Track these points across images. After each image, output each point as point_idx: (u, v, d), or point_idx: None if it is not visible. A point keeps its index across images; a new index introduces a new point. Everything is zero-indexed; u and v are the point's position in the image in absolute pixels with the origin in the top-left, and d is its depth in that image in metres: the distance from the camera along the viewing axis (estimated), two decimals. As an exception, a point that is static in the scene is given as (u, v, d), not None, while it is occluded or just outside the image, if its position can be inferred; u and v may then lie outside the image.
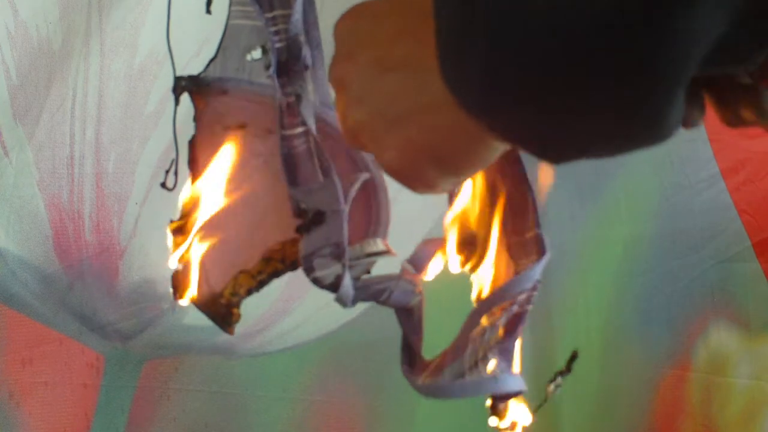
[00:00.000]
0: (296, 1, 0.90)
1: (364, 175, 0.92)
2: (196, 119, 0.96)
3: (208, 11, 0.97)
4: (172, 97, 0.96)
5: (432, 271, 0.97)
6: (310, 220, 0.89)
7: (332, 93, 0.65)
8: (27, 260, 1.54)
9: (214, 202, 0.96)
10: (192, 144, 0.96)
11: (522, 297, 0.92)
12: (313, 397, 1.84)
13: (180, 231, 0.97)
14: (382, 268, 0.95)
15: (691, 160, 1.88)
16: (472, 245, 0.96)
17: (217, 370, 1.75)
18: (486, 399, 0.95)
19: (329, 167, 0.90)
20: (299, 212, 0.90)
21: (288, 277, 0.96)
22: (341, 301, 0.90)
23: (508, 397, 0.94)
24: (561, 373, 1.09)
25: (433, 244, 0.97)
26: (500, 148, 0.54)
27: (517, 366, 0.94)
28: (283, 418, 1.81)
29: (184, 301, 0.97)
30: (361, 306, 0.95)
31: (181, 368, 1.72)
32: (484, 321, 0.92)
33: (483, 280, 0.95)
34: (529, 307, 0.93)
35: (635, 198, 1.97)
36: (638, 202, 1.98)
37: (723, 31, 0.44)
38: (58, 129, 1.53)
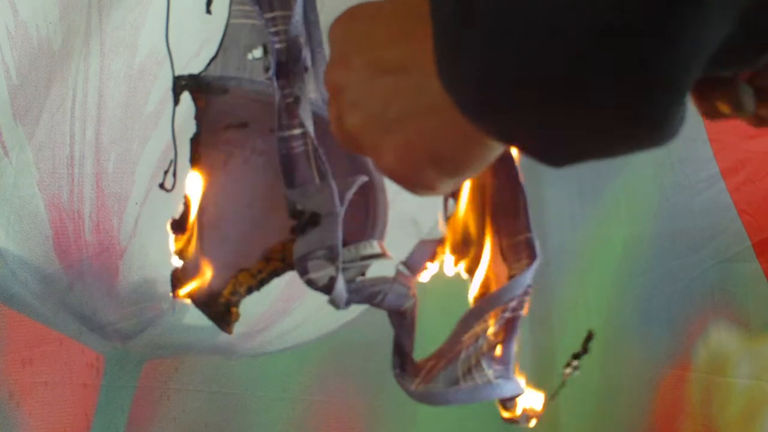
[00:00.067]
0: (296, 3, 0.90)
1: (362, 179, 0.92)
2: (197, 118, 0.96)
3: (208, 11, 0.97)
4: (172, 97, 0.96)
5: (427, 273, 0.96)
6: (305, 221, 0.89)
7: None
8: (27, 260, 1.54)
9: (215, 200, 0.96)
10: (194, 142, 0.96)
11: (513, 303, 0.92)
12: (313, 397, 1.83)
13: (180, 228, 0.97)
14: (377, 268, 0.95)
15: (691, 160, 1.88)
16: (465, 246, 0.96)
17: (217, 370, 1.75)
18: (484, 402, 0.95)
19: (326, 169, 0.90)
20: (295, 213, 0.90)
21: (288, 276, 0.95)
22: (334, 304, 0.90)
23: (511, 398, 0.94)
24: (577, 355, 1.09)
25: (429, 245, 0.97)
26: (499, 148, 0.54)
27: (513, 371, 0.94)
28: (283, 418, 1.81)
29: (183, 301, 0.97)
30: (361, 306, 0.95)
31: (181, 368, 1.72)
32: (477, 327, 0.92)
33: (479, 282, 0.95)
34: (522, 312, 0.93)
35: (635, 198, 1.97)
36: (638, 202, 1.98)
37: (729, 31, 0.44)
38: (58, 129, 1.52)
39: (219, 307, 0.95)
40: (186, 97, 0.96)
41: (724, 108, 0.58)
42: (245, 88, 0.96)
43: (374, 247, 0.93)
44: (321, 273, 0.88)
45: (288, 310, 1.72)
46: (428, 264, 0.96)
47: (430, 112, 0.53)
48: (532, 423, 0.97)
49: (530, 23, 0.44)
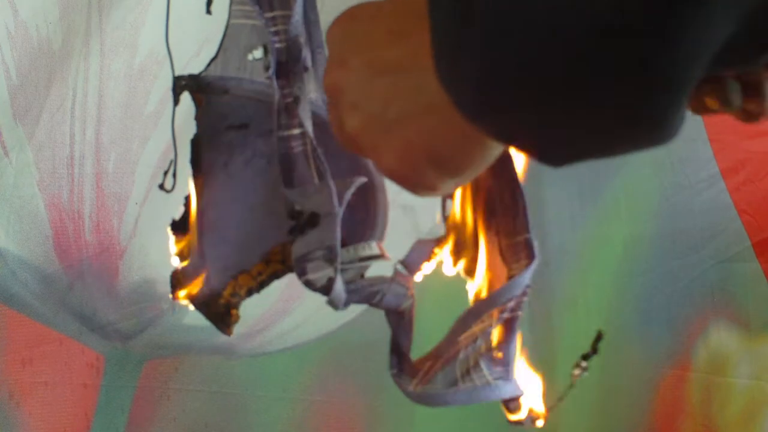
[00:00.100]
0: (296, 2, 0.90)
1: (360, 180, 0.91)
2: (197, 119, 0.96)
3: (209, 11, 0.96)
4: (172, 97, 0.96)
5: (421, 273, 0.96)
6: (304, 222, 0.89)
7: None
8: (27, 260, 1.54)
9: (215, 202, 0.96)
10: (194, 143, 0.96)
11: (511, 304, 0.92)
12: (313, 397, 1.83)
13: (181, 229, 0.97)
14: (374, 268, 0.95)
15: (691, 160, 1.88)
16: (463, 246, 0.96)
17: (217, 370, 1.75)
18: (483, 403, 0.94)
19: (325, 169, 0.90)
20: (293, 214, 0.89)
21: (288, 277, 0.95)
22: (333, 304, 0.89)
23: (513, 398, 0.94)
24: (586, 356, 1.08)
25: (426, 245, 0.97)
26: (499, 148, 0.54)
27: (513, 372, 0.93)
28: (283, 418, 1.81)
29: (183, 302, 0.97)
30: (361, 306, 0.95)
31: (181, 368, 1.72)
32: (475, 328, 0.92)
33: (477, 282, 0.95)
34: (520, 313, 0.92)
35: (635, 198, 1.97)
36: (638, 202, 1.97)
37: (733, 31, 0.44)
38: (58, 129, 1.52)
39: (219, 309, 0.95)
40: (186, 97, 0.96)
41: (712, 104, 0.58)
42: (245, 88, 0.96)
43: (373, 248, 0.93)
44: (319, 274, 0.88)
45: (288, 310, 1.72)
46: (424, 264, 0.96)
47: (428, 112, 0.52)
48: (539, 423, 0.96)
49: (530, 23, 0.44)
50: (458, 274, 0.97)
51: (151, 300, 1.61)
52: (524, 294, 0.92)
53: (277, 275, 0.94)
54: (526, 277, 0.92)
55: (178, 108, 0.97)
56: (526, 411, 0.94)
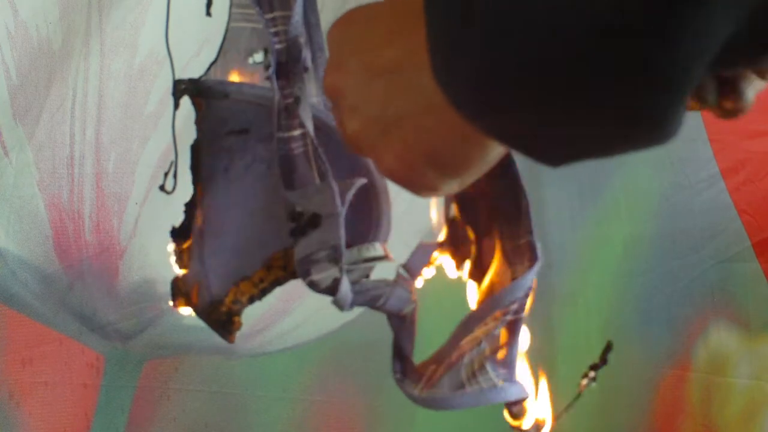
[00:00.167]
0: (296, 3, 0.90)
1: (361, 180, 0.91)
2: (197, 123, 0.96)
3: (208, 13, 0.96)
4: (172, 99, 0.96)
5: (422, 277, 0.96)
6: (305, 223, 0.88)
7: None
8: (27, 260, 1.54)
9: (216, 208, 0.95)
10: (194, 148, 0.95)
11: (515, 306, 0.91)
12: (313, 397, 1.83)
13: (181, 235, 0.96)
14: (377, 270, 0.95)
15: (691, 160, 1.88)
16: (465, 249, 0.95)
17: (217, 370, 1.75)
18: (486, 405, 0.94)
19: (326, 170, 0.89)
20: (294, 215, 0.89)
21: (289, 278, 0.95)
22: (339, 305, 0.89)
23: (517, 402, 0.93)
24: (595, 367, 1.08)
25: (428, 248, 0.96)
26: (499, 149, 0.54)
27: (517, 374, 0.93)
28: (283, 418, 1.81)
29: (184, 310, 0.96)
30: (361, 307, 0.94)
31: (181, 368, 1.72)
32: (478, 331, 0.92)
33: (481, 285, 0.94)
34: (523, 315, 0.92)
35: (635, 198, 1.97)
36: (638, 202, 1.98)
37: (733, 30, 0.44)
38: (58, 129, 1.52)
39: (221, 316, 0.94)
40: (186, 100, 0.96)
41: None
42: (246, 92, 0.95)
43: (377, 249, 0.92)
44: (324, 274, 0.87)
45: (288, 310, 1.72)
46: (425, 269, 0.95)
47: (426, 112, 0.52)
48: (545, 431, 0.96)
49: (530, 23, 0.44)
50: (460, 278, 0.97)
51: (151, 300, 1.61)
52: (527, 296, 0.92)
53: (279, 282, 0.93)
54: (529, 279, 0.91)
55: (178, 111, 0.96)
56: (532, 420, 0.94)
